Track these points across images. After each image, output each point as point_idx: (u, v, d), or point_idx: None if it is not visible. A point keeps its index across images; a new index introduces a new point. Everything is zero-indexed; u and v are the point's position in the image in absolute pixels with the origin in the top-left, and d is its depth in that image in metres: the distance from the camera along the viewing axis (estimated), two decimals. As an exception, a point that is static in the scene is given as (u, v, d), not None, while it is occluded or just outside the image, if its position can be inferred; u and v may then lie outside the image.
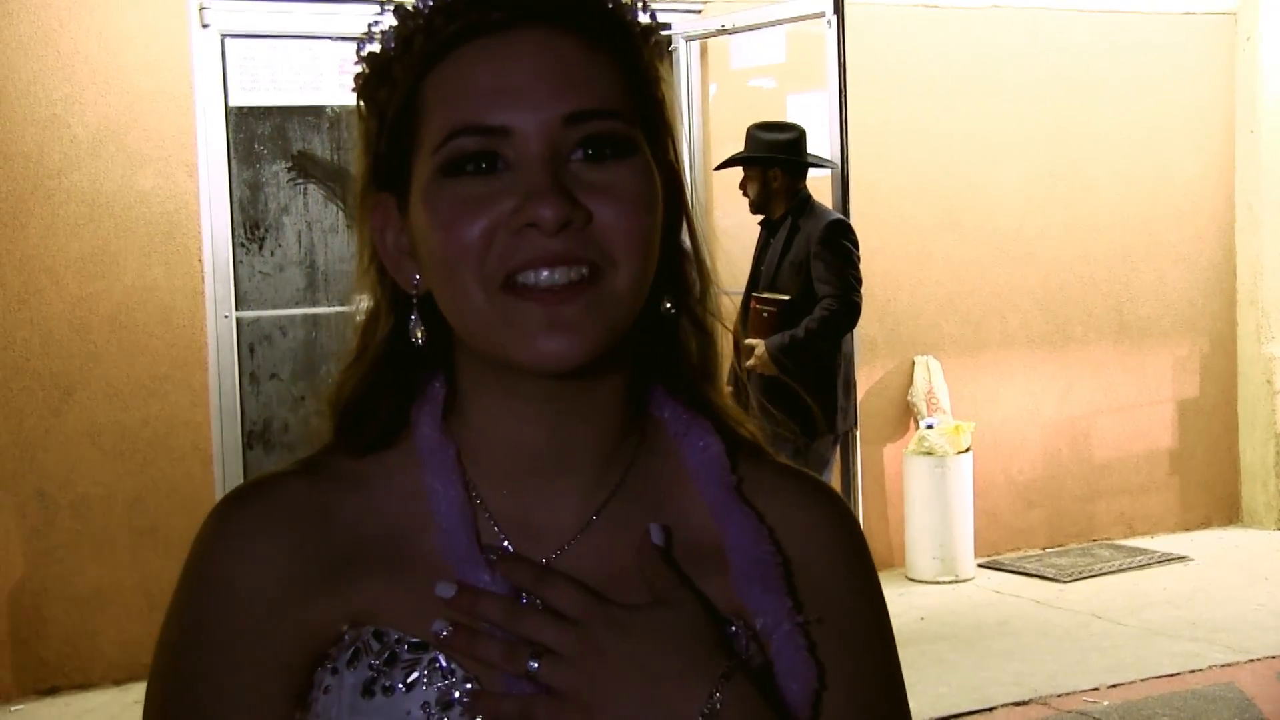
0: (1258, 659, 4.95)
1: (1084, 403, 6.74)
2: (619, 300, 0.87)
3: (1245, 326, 7.03)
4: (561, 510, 0.94)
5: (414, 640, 0.88)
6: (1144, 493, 6.89)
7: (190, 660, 0.92)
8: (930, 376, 6.27)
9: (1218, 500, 7.05)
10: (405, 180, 0.91)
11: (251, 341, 5.32)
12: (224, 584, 0.92)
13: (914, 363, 6.30)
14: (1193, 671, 4.84)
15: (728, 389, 1.00)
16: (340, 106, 5.30)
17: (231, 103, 5.23)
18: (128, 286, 5.00)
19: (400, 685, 0.87)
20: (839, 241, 4.76)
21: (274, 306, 5.34)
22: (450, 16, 0.87)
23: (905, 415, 6.31)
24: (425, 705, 0.87)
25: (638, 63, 0.91)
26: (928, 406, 6.21)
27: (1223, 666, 4.88)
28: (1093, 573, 6.17)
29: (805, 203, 4.91)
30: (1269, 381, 6.95)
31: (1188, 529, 6.94)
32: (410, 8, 0.90)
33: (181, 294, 5.08)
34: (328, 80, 5.32)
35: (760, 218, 5.01)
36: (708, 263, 0.98)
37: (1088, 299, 6.73)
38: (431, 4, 0.89)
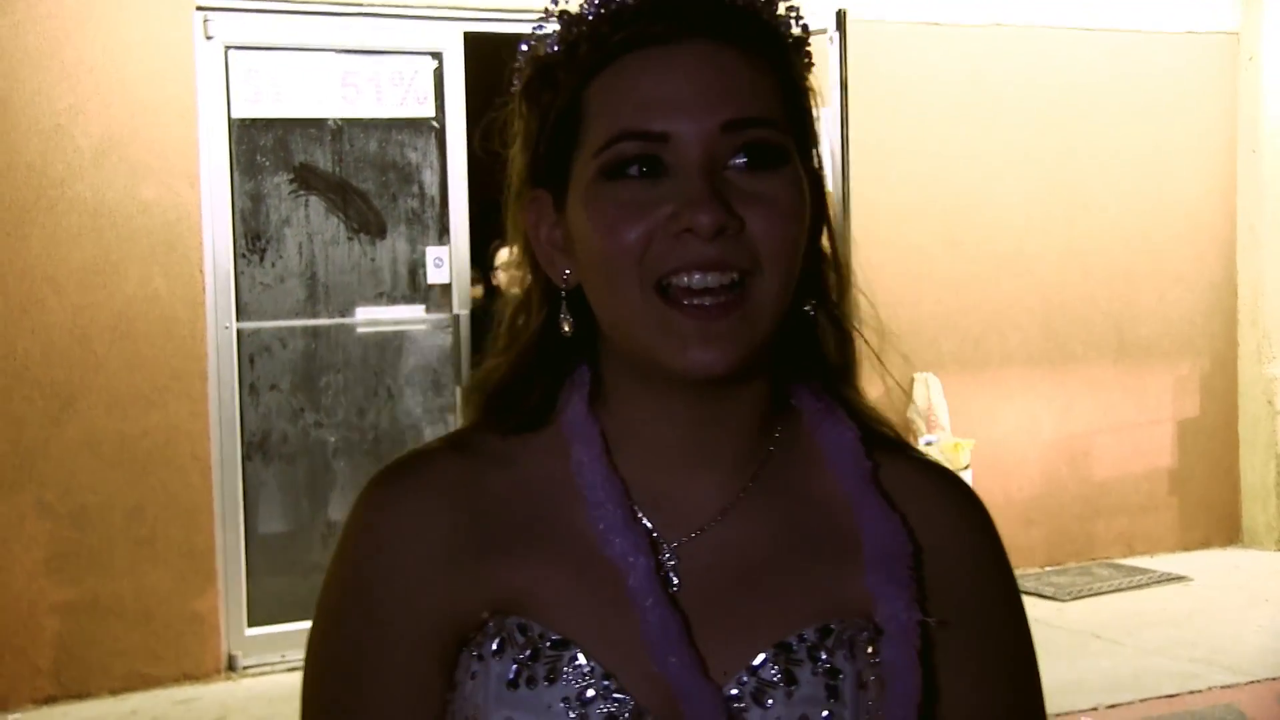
0: (1258, 681, 4.93)
1: (1084, 421, 6.73)
2: (766, 307, 0.91)
3: (1246, 346, 7.03)
4: (700, 494, 0.97)
5: (555, 638, 0.92)
6: (1144, 512, 6.88)
7: (348, 628, 0.96)
8: (930, 393, 6.26)
9: (1218, 520, 7.04)
10: (563, 179, 0.95)
11: (251, 352, 5.32)
12: (383, 557, 0.96)
13: (914, 379, 6.30)
14: (1192, 692, 4.82)
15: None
16: (342, 119, 5.30)
17: (234, 114, 5.23)
18: (129, 296, 5.01)
19: (544, 680, 0.91)
20: None
21: (274, 318, 5.34)
22: (616, 26, 0.91)
23: (905, 432, 6.30)
24: (566, 700, 0.91)
25: (790, 74, 0.95)
26: (927, 424, 6.21)
27: (1223, 688, 4.86)
28: (1092, 592, 6.16)
29: None
30: (1270, 402, 6.94)
31: (1187, 549, 6.92)
32: (575, 14, 0.94)
33: (182, 304, 5.08)
34: (330, 93, 5.31)
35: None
36: (846, 266, 1.04)
37: (1088, 317, 6.72)
38: (597, 12, 0.92)
